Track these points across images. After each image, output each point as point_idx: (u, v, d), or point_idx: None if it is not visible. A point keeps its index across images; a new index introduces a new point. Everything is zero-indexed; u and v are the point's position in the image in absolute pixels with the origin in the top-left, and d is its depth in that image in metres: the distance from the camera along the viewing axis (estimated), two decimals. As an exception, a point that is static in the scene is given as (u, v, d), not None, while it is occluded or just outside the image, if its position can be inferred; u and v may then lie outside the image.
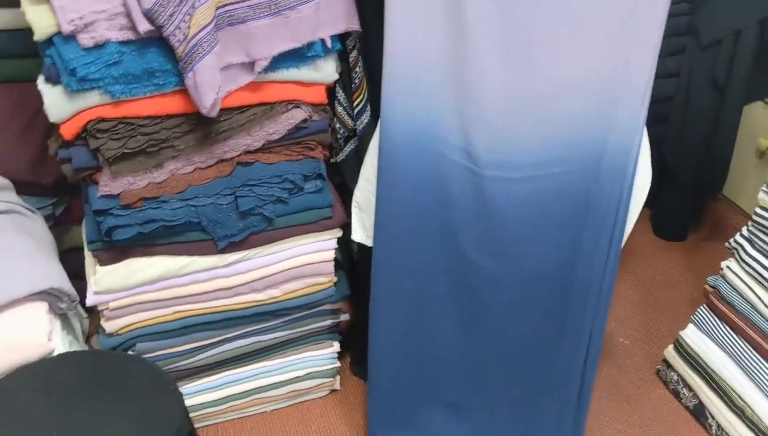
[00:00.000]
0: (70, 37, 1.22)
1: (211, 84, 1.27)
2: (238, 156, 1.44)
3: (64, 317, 1.60)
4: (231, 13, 1.30)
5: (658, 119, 2.22)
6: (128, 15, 1.23)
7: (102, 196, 1.34)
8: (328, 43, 1.40)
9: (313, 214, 1.52)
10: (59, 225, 1.78)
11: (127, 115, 1.31)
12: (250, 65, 1.35)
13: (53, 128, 1.60)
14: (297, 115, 1.44)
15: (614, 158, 1.23)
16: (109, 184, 1.34)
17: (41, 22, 1.21)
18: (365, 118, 1.51)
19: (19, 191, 1.61)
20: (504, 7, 1.11)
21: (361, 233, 1.47)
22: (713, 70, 2.10)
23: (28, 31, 1.47)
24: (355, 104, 1.51)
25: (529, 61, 1.14)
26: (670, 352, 1.88)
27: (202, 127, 1.38)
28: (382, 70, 1.46)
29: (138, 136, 1.33)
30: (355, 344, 1.89)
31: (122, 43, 1.26)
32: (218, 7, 1.28)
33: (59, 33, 1.22)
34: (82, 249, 1.75)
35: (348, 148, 1.58)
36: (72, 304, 1.55)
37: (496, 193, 1.29)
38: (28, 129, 1.61)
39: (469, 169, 1.28)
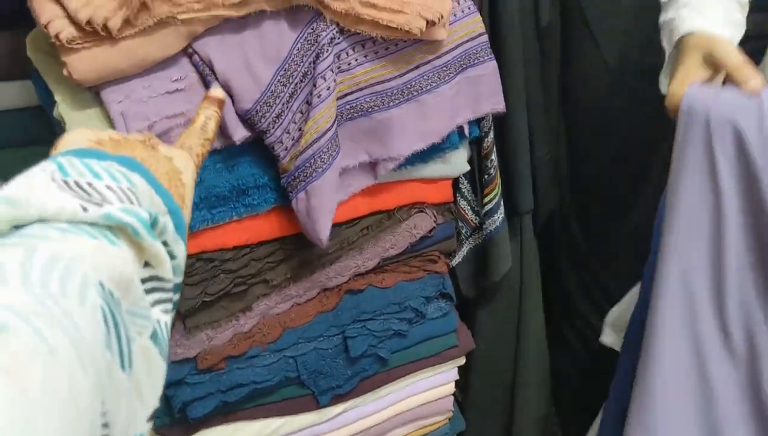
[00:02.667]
0: (134, 154, 0.83)
1: (331, 208, 0.91)
2: (345, 282, 1.07)
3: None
4: (352, 105, 0.93)
5: None
6: (216, 117, 0.85)
7: (174, 361, 0.96)
8: (466, 131, 1.04)
9: (436, 343, 1.16)
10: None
11: (206, 248, 0.93)
12: (370, 166, 0.98)
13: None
14: (421, 224, 1.08)
15: None
16: (182, 344, 0.96)
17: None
18: (498, 217, 1.16)
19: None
20: None
21: None
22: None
23: (34, 111, 1.09)
24: (486, 200, 1.15)
25: None
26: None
27: (301, 251, 1.00)
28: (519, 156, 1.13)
29: (221, 275, 0.95)
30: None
31: (204, 154, 0.87)
32: (337, 98, 0.90)
33: (116, 148, 0.83)
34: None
35: (465, 249, 1.23)
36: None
37: None
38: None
39: None
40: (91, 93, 0.81)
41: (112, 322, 0.37)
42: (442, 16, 0.89)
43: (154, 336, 0.44)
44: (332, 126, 0.88)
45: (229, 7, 0.78)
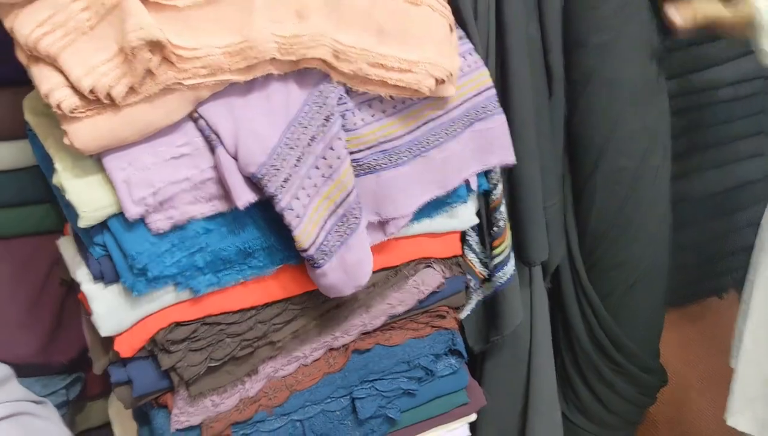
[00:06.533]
0: (137, 221, 0.80)
1: (370, 252, 0.92)
2: (352, 342, 1.04)
3: None
4: (359, 163, 0.91)
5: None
6: (221, 181, 0.83)
7: (178, 429, 0.93)
8: (474, 185, 1.03)
9: (447, 401, 1.13)
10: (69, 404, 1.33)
11: (211, 312, 0.90)
12: (380, 224, 0.96)
13: (70, 296, 1.19)
14: (429, 280, 1.05)
15: None
16: (185, 411, 0.93)
17: (91, 203, 0.79)
18: (509, 270, 1.14)
19: (22, 374, 1.17)
20: None
21: None
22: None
23: (30, 171, 1.07)
24: (495, 252, 1.13)
25: None
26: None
27: (307, 311, 0.98)
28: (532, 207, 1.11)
29: (226, 339, 0.92)
30: None
31: (209, 218, 0.85)
32: (343, 157, 0.89)
33: (118, 214, 0.81)
34: (97, 429, 1.35)
35: (474, 302, 1.20)
36: None
37: None
38: (37, 298, 1.16)
39: None
40: (93, 159, 0.79)
41: None
42: (451, 74, 0.87)
43: None
44: (354, 185, 0.87)
45: (236, 72, 0.77)
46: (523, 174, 1.11)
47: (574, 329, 1.41)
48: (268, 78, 0.81)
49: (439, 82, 0.87)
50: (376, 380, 1.05)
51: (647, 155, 1.25)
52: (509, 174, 1.12)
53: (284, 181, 0.83)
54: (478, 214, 1.10)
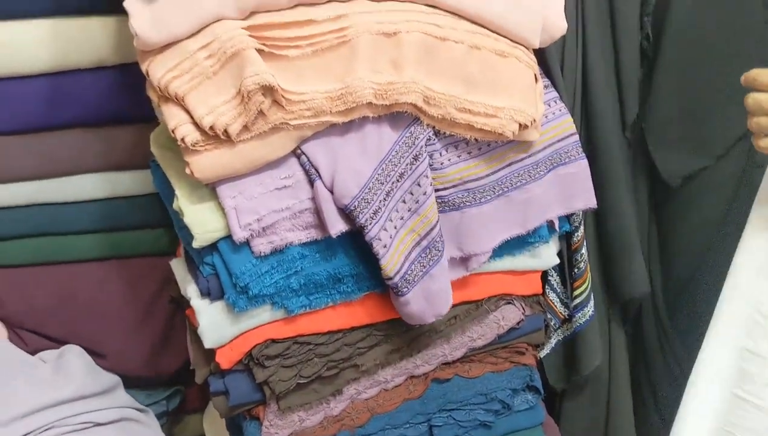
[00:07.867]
0: (242, 244, 0.90)
1: (449, 285, 0.97)
2: (432, 371, 1.09)
3: None
4: (444, 199, 0.97)
5: None
6: (317, 212, 0.91)
7: (267, 441, 1.00)
8: (556, 226, 1.07)
9: (522, 437, 1.16)
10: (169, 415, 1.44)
11: (302, 332, 0.98)
12: (461, 260, 1.02)
13: (177, 314, 1.30)
14: (509, 315, 1.10)
15: None
16: (275, 424, 1.00)
17: (204, 226, 0.89)
18: (589, 311, 1.17)
19: (130, 385, 1.28)
20: None
21: None
22: None
23: (147, 198, 1.19)
24: (575, 293, 1.16)
25: None
26: None
27: (390, 338, 1.04)
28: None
29: (314, 358, 1.00)
30: None
31: (305, 244, 0.94)
32: (431, 193, 0.95)
33: (227, 237, 0.90)
34: (193, 441, 1.42)
35: (554, 341, 1.23)
36: None
37: None
38: (146, 315, 1.28)
39: None
40: (208, 188, 0.89)
41: None
42: (534, 120, 0.93)
43: None
44: (438, 219, 0.93)
45: (336, 114, 0.85)
46: (616, 212, 1.16)
47: (656, 374, 1.41)
48: (364, 120, 0.89)
49: (523, 127, 0.92)
50: (453, 409, 1.09)
51: (733, 204, 1.25)
52: (600, 212, 1.16)
53: (374, 214, 0.90)
54: (560, 255, 1.14)
